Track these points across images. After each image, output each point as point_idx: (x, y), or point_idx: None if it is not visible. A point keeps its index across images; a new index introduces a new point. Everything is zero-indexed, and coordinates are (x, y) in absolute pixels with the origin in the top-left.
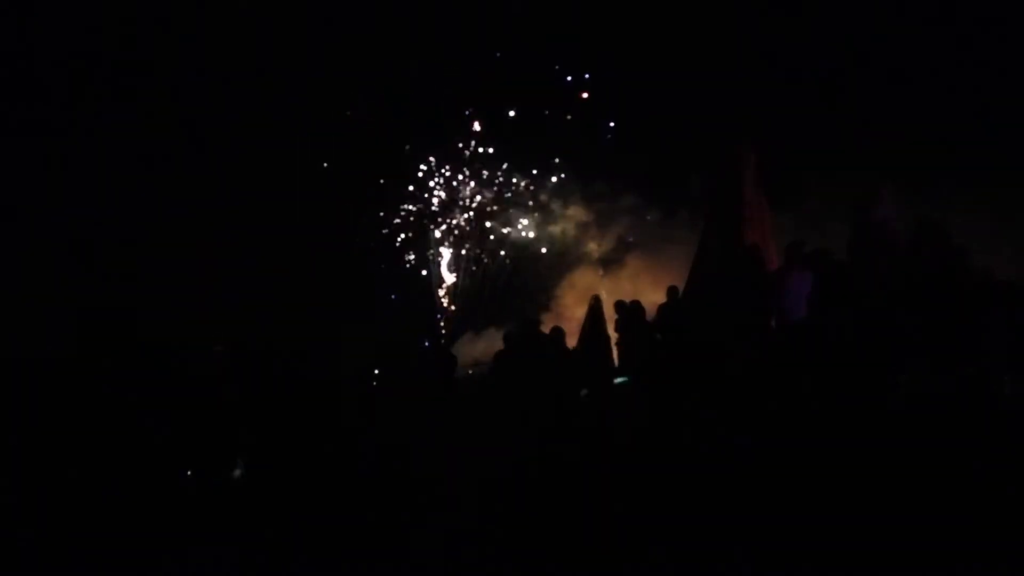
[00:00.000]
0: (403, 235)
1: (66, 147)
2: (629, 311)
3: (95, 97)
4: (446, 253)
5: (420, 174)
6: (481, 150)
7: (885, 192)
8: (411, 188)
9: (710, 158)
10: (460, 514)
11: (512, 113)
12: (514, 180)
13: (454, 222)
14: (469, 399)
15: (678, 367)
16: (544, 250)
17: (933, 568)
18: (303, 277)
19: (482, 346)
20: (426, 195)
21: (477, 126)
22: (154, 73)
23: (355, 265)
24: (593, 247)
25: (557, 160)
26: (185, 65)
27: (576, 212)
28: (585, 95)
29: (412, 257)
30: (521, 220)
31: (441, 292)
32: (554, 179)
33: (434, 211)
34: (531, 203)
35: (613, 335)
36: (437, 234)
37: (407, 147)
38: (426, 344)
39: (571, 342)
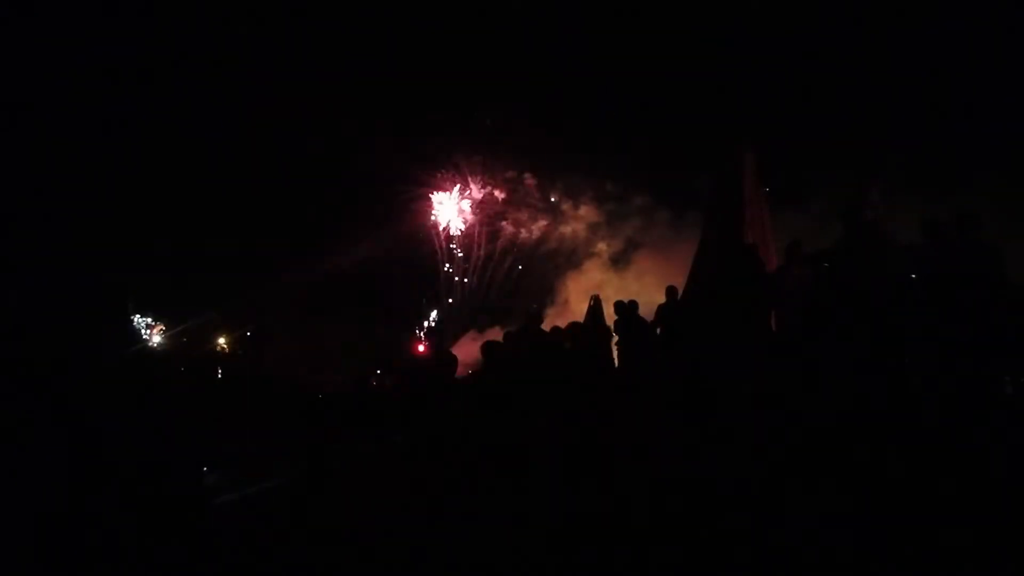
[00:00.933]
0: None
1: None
2: (627, 310)
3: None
4: (453, 254)
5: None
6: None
7: (873, 191)
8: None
9: (711, 158)
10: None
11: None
12: (524, 180)
13: (464, 223)
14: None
15: (677, 366)
16: (553, 250)
17: (933, 569)
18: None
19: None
20: (435, 195)
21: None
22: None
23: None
24: (602, 247)
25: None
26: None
27: (586, 212)
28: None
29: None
30: (530, 220)
31: (444, 292)
32: (564, 179)
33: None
34: (541, 204)
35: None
36: (442, 235)
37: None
38: (423, 346)
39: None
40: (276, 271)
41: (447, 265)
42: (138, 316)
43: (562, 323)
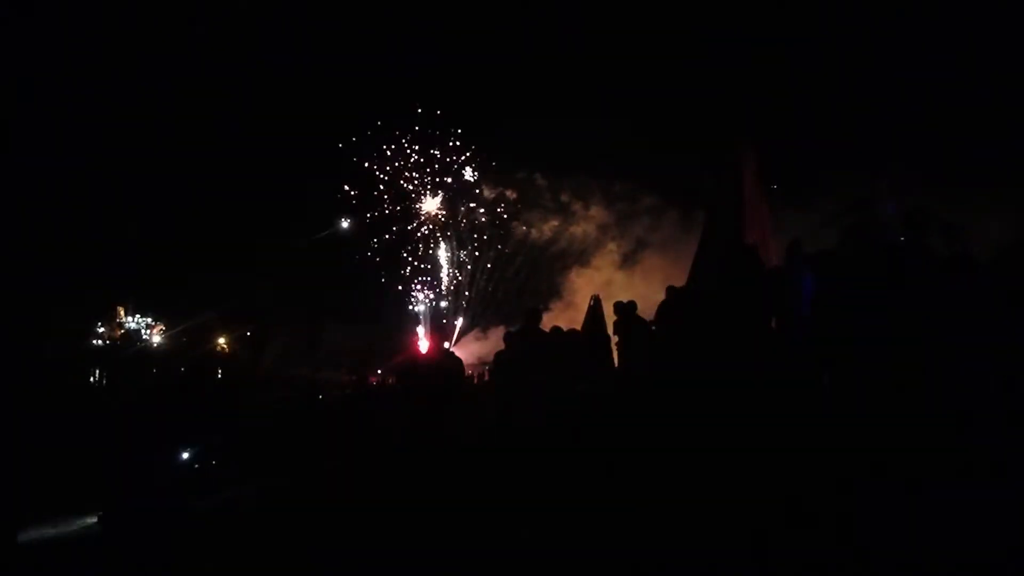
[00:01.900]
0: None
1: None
2: (625, 310)
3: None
4: (462, 254)
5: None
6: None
7: (884, 188)
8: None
9: (713, 156)
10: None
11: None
12: (535, 180)
13: (474, 222)
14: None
15: (677, 366)
16: (562, 250)
17: (933, 569)
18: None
19: (490, 345)
20: (444, 196)
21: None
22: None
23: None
24: (612, 248)
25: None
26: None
27: (596, 212)
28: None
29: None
30: (540, 221)
31: (448, 292)
32: (574, 179)
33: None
34: (551, 204)
35: (613, 336)
36: (449, 234)
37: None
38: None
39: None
40: (277, 271)
41: (448, 266)
42: (138, 316)
43: (565, 323)
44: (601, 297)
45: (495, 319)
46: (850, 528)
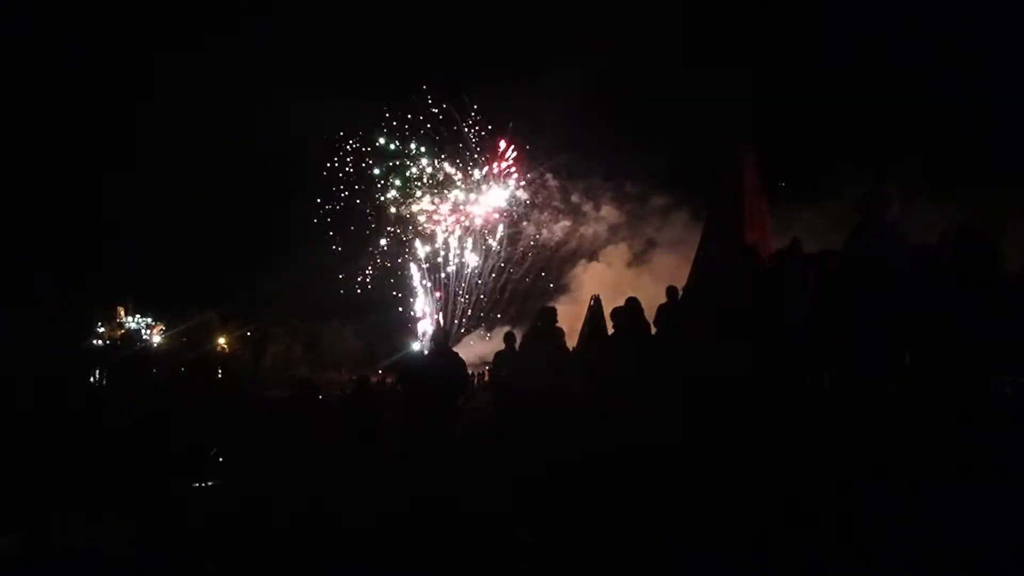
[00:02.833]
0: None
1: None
2: (623, 313)
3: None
4: (470, 255)
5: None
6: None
7: (891, 191)
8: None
9: (713, 157)
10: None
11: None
12: (546, 181)
13: (482, 223)
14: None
15: (677, 366)
16: (572, 251)
17: (932, 568)
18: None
19: (494, 344)
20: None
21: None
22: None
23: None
24: (623, 248)
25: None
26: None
27: (607, 213)
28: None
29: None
30: (551, 221)
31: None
32: (585, 180)
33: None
34: (562, 205)
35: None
36: (458, 233)
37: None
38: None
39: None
40: (277, 271)
41: (449, 267)
42: (138, 316)
43: (568, 321)
44: (602, 297)
45: (502, 319)
46: (850, 527)
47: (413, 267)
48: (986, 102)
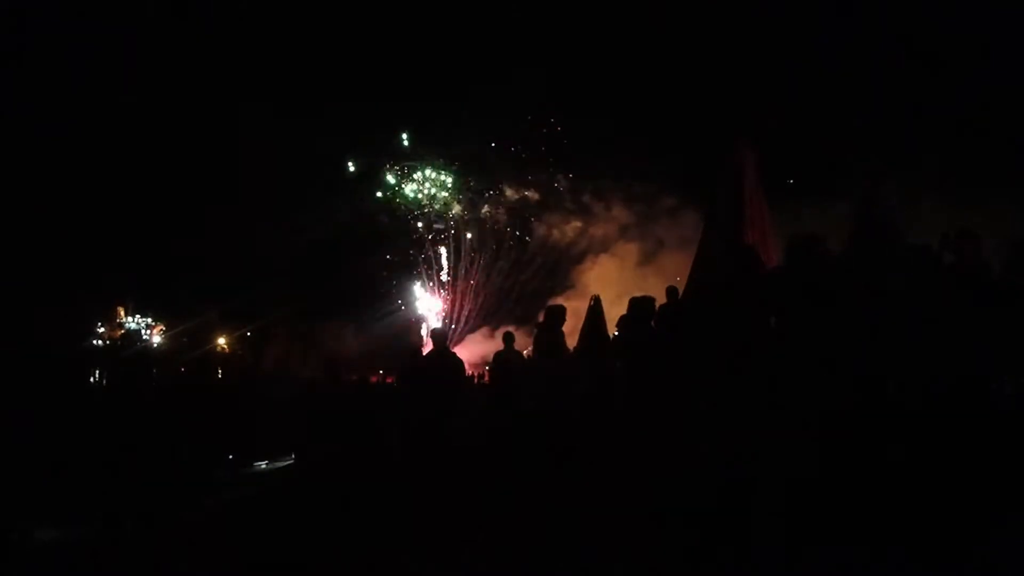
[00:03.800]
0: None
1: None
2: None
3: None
4: (476, 254)
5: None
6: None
7: (889, 192)
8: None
9: (713, 156)
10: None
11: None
12: (557, 182)
13: (492, 224)
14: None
15: (677, 366)
16: (582, 251)
17: (932, 569)
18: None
19: (497, 344)
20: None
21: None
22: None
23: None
24: (632, 248)
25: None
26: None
27: (618, 213)
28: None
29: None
30: (561, 222)
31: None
32: (595, 180)
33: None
34: (572, 205)
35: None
36: (469, 235)
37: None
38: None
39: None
40: (277, 271)
41: (458, 265)
42: (138, 316)
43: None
44: (607, 293)
45: (508, 319)
46: (849, 526)
47: (420, 267)
48: (986, 102)
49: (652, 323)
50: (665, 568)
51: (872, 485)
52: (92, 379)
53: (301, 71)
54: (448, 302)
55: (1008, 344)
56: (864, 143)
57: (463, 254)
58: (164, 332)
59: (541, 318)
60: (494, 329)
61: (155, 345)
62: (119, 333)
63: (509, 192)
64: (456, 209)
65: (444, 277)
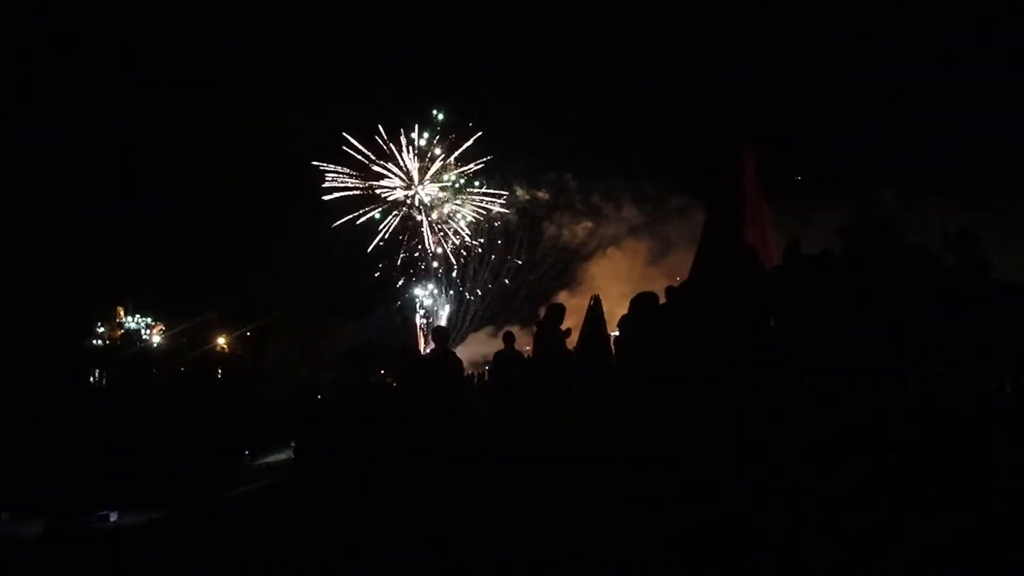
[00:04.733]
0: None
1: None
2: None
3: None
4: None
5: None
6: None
7: (885, 193)
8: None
9: (713, 157)
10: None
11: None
12: (567, 183)
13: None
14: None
15: (677, 367)
16: (591, 252)
17: (932, 569)
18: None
19: (497, 344)
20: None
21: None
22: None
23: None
24: (641, 248)
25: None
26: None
27: (628, 214)
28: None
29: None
30: (572, 223)
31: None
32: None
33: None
34: (582, 206)
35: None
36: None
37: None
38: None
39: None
40: (278, 271)
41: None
42: (138, 316)
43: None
44: (611, 291)
45: (514, 318)
46: (848, 527)
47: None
48: (986, 102)
49: (652, 323)
50: (665, 568)
51: (871, 485)
52: (92, 379)
53: (308, 63)
54: (453, 301)
55: (1008, 344)
56: (864, 143)
57: (471, 253)
58: (164, 332)
59: (541, 316)
60: (499, 328)
61: (155, 345)
62: (119, 333)
63: (520, 192)
64: (468, 209)
65: (450, 276)
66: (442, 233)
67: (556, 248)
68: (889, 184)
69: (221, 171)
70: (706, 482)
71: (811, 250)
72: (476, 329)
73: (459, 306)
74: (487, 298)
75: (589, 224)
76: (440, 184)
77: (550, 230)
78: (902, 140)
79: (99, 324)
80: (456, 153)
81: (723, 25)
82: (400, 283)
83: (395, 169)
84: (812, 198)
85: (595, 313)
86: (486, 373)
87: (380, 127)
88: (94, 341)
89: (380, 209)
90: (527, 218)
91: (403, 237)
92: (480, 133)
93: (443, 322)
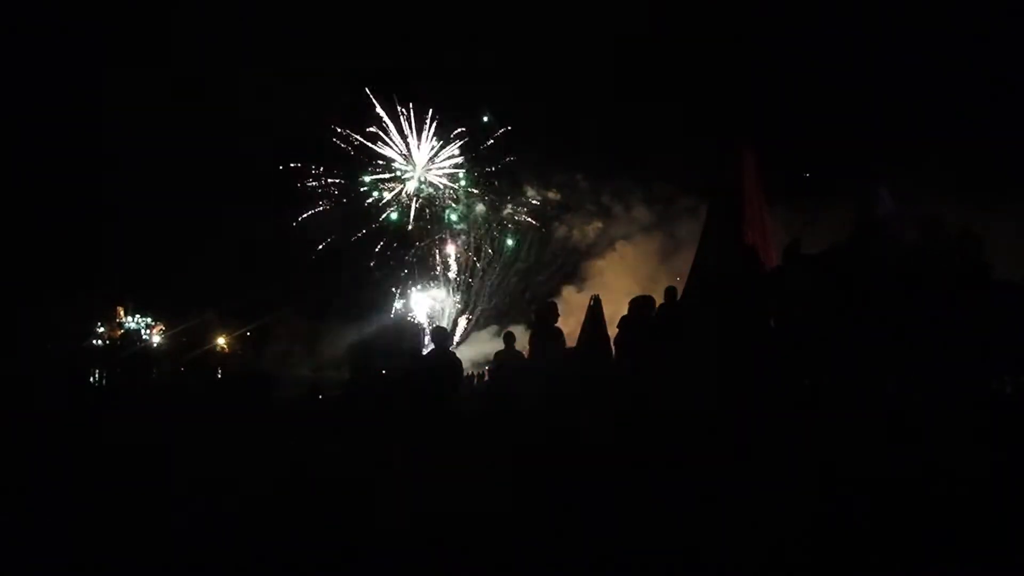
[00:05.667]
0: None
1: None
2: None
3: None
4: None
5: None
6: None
7: (883, 192)
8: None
9: (713, 156)
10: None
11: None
12: (577, 183)
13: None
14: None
15: (676, 368)
16: (600, 252)
17: (930, 568)
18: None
19: (499, 344)
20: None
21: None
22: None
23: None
24: (651, 244)
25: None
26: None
27: (639, 214)
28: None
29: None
30: (582, 223)
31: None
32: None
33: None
34: (592, 206)
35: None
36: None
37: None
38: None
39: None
40: (278, 270)
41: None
42: (138, 316)
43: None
44: (614, 289)
45: (519, 318)
46: (848, 527)
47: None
48: (986, 102)
49: (651, 323)
50: (665, 568)
51: (871, 485)
52: (92, 379)
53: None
54: (455, 301)
55: (1008, 344)
56: (864, 143)
57: (474, 253)
58: (164, 332)
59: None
60: (502, 328)
61: (155, 345)
62: (119, 333)
63: (530, 193)
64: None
65: (451, 275)
66: (449, 233)
67: (566, 249)
68: (889, 184)
69: (221, 171)
70: (706, 482)
71: (811, 250)
72: (480, 328)
73: (464, 307)
74: (493, 298)
75: (599, 224)
76: (446, 175)
77: (560, 231)
78: (902, 140)
79: (99, 324)
80: (459, 153)
81: (723, 25)
82: (402, 283)
83: (401, 160)
84: (812, 198)
85: (595, 313)
86: (486, 373)
87: (384, 114)
88: (94, 341)
89: (395, 210)
90: (537, 218)
91: (412, 229)
92: (502, 131)
93: (446, 322)
